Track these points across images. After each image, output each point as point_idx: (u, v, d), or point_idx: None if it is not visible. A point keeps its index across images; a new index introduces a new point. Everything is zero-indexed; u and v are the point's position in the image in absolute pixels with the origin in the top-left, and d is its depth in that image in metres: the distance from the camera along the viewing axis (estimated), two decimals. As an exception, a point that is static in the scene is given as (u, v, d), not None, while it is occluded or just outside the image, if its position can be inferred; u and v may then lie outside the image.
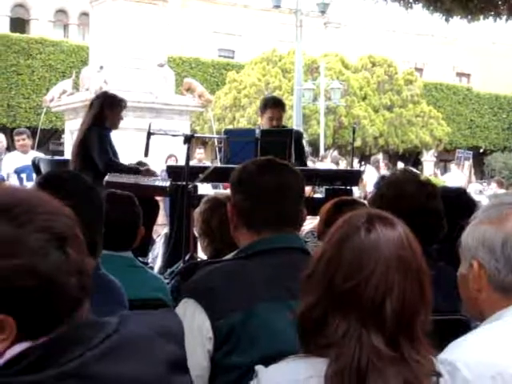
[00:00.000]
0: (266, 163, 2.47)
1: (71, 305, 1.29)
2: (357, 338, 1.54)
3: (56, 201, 1.35)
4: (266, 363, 1.66)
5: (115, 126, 6.96)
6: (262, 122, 6.97)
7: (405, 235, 1.64)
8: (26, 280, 1.23)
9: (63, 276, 1.26)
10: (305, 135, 23.20)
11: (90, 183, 2.61)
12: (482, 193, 16.58)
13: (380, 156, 28.03)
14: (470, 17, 9.64)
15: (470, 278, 1.93)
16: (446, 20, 9.77)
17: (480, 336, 1.84)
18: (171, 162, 12.14)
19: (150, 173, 6.90)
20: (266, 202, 2.34)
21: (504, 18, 9.69)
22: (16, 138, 10.13)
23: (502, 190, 16.18)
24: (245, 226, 2.38)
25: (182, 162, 9.13)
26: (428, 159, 35.74)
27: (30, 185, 9.12)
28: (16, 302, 1.23)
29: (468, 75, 42.17)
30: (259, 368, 1.63)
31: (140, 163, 7.04)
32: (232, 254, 2.53)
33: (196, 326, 2.12)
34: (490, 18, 9.71)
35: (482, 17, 9.71)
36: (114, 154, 6.87)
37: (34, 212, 1.28)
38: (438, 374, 1.59)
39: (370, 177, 13.76)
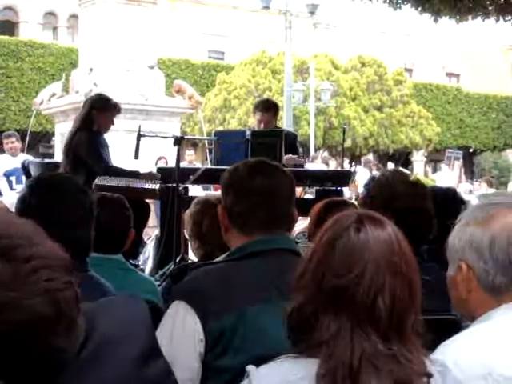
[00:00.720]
0: (257, 165, 2.46)
1: (61, 359, 1.28)
2: (349, 337, 1.55)
3: (56, 248, 1.31)
4: (258, 364, 1.66)
5: (104, 130, 6.79)
6: (254, 123, 7.12)
7: (394, 235, 1.65)
8: (21, 340, 1.21)
9: (56, 336, 1.25)
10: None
11: (80, 186, 2.60)
12: (472, 192, 16.62)
13: (370, 156, 28.12)
14: (458, 17, 9.67)
15: (459, 280, 1.93)
16: (435, 20, 9.81)
17: (471, 336, 1.84)
18: (161, 164, 12.13)
19: (152, 176, 6.80)
20: (256, 204, 2.34)
21: (493, 18, 9.73)
22: (5, 140, 10.10)
23: (492, 190, 16.23)
24: (236, 227, 2.38)
25: (172, 164, 9.15)
26: (418, 159, 35.83)
27: (19, 188, 9.10)
28: (7, 362, 1.22)
29: (457, 75, 42.29)
30: (250, 368, 1.63)
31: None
32: (223, 255, 2.53)
33: (187, 328, 2.12)
34: (479, 18, 9.74)
35: (470, 17, 9.74)
36: (107, 157, 6.76)
37: (39, 271, 1.24)
38: (429, 375, 1.60)
39: (363, 178, 13.75)
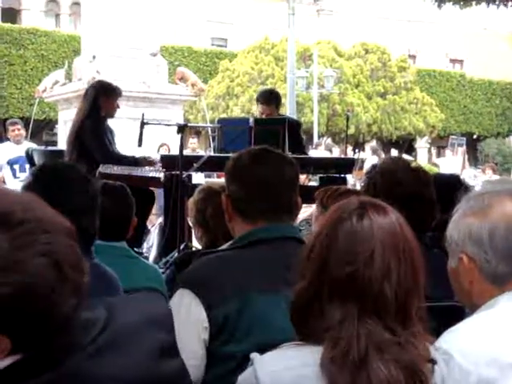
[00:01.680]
0: (261, 152, 2.46)
1: (67, 322, 1.29)
2: (355, 323, 1.55)
3: (56, 215, 1.32)
4: (262, 352, 1.67)
5: (111, 115, 6.86)
6: (256, 113, 7.20)
7: (397, 221, 1.65)
8: (24, 302, 1.22)
9: (60, 298, 1.25)
10: (298, 123, 23.18)
11: (85, 173, 2.61)
12: (477, 178, 16.55)
13: (374, 142, 28.07)
14: (462, 3, 9.64)
15: (461, 271, 1.92)
16: (439, 6, 9.78)
17: (474, 324, 1.84)
18: (163, 151, 12.13)
19: (151, 163, 6.87)
20: (261, 192, 2.34)
21: (496, 3, 9.69)
22: (10, 128, 10.09)
23: (497, 176, 16.19)
24: (240, 215, 2.38)
25: (174, 152, 9.15)
26: (422, 146, 35.78)
27: (23, 176, 9.10)
28: (12, 323, 1.23)
29: (461, 61, 42.15)
30: (255, 356, 1.63)
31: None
32: (227, 243, 2.53)
33: (192, 315, 2.13)
34: (483, 3, 9.71)
35: (474, 3, 9.71)
36: (111, 144, 6.80)
37: (36, 233, 1.25)
38: (434, 361, 1.60)
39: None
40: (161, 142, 11.76)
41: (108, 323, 1.36)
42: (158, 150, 12.15)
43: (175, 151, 7.54)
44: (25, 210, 1.27)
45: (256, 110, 7.35)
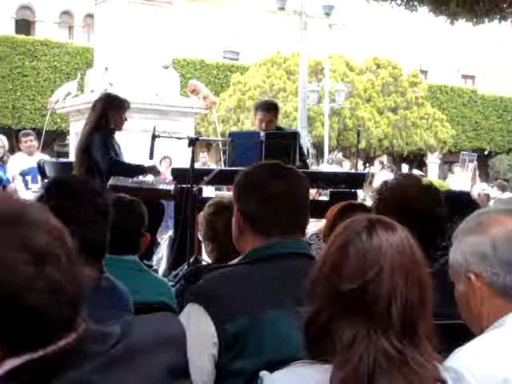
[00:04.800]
0: (275, 168, 2.47)
1: (55, 323, 1.28)
2: (364, 342, 1.55)
3: (44, 213, 1.33)
4: (272, 369, 1.67)
5: (119, 128, 6.90)
6: (255, 124, 7.13)
7: (406, 239, 1.65)
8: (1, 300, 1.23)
9: (34, 295, 1.25)
10: (309, 137, 23.22)
11: (96, 187, 2.62)
12: (485, 190, 16.40)
13: (384, 158, 28.03)
14: (475, 20, 9.64)
15: (470, 293, 1.92)
16: (451, 23, 9.77)
17: (484, 342, 1.83)
18: (165, 164, 12.15)
19: (154, 170, 6.91)
20: (275, 207, 2.34)
21: (509, 20, 9.69)
22: (23, 139, 10.13)
23: (505, 194, 16.09)
24: (252, 230, 2.37)
25: (176, 164, 9.16)
26: (433, 161, 35.72)
27: (35, 187, 9.14)
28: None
29: (473, 77, 42.12)
30: (264, 374, 1.63)
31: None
32: (238, 258, 2.53)
33: (201, 331, 2.13)
34: (495, 20, 9.71)
35: (487, 20, 9.70)
36: (118, 156, 6.83)
37: (16, 225, 1.27)
38: (443, 381, 1.60)
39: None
40: (163, 155, 11.76)
41: (121, 339, 1.36)
42: (160, 163, 12.17)
43: (178, 164, 7.56)
44: (14, 209, 1.30)
45: (255, 120, 7.27)
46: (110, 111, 6.75)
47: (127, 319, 1.44)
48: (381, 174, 15.13)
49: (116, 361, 1.32)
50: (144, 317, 1.54)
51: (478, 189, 15.84)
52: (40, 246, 1.26)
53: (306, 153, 7.70)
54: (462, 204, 3.72)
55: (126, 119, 6.94)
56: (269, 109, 7.06)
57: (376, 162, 17.98)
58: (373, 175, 12.87)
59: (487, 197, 14.56)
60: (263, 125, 6.89)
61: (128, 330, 1.39)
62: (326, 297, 1.61)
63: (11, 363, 1.26)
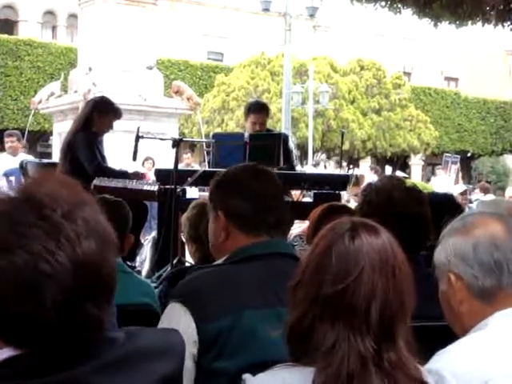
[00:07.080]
0: (257, 168, 2.49)
1: (53, 314, 1.27)
2: (346, 345, 1.55)
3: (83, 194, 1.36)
4: (254, 370, 1.67)
5: (102, 133, 6.80)
6: (246, 126, 7.05)
7: (388, 242, 1.65)
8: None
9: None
10: (293, 138, 23.23)
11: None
12: (466, 193, 16.48)
13: (368, 159, 28.14)
14: (458, 22, 9.67)
15: (451, 292, 1.93)
16: (435, 25, 9.81)
17: (466, 345, 1.84)
18: (148, 165, 12.13)
19: (138, 176, 6.88)
20: (263, 207, 2.36)
21: (492, 23, 9.73)
22: (6, 139, 10.09)
23: (488, 196, 16.16)
24: (239, 230, 2.37)
25: (159, 165, 9.13)
26: (416, 163, 35.87)
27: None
28: None
29: (456, 79, 42.33)
30: (247, 377, 1.63)
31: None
32: (222, 258, 2.52)
33: (181, 328, 2.12)
34: (479, 23, 9.75)
35: (470, 22, 9.74)
36: (103, 158, 6.77)
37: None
38: (425, 383, 1.60)
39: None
40: (145, 156, 11.73)
41: (124, 345, 1.37)
42: (143, 164, 12.14)
43: (161, 165, 7.53)
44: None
45: (245, 122, 7.16)
46: (94, 114, 6.67)
47: (131, 329, 1.45)
48: (370, 176, 15.20)
49: (114, 366, 1.33)
50: (148, 329, 1.56)
51: (459, 188, 15.91)
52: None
53: (294, 158, 7.65)
54: (447, 206, 3.74)
55: (111, 127, 6.83)
56: (261, 110, 7.04)
57: (366, 166, 18.05)
58: (357, 177, 12.90)
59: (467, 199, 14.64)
60: (257, 127, 6.84)
61: (132, 337, 1.40)
62: (309, 300, 1.61)
63: (6, 352, 1.26)
